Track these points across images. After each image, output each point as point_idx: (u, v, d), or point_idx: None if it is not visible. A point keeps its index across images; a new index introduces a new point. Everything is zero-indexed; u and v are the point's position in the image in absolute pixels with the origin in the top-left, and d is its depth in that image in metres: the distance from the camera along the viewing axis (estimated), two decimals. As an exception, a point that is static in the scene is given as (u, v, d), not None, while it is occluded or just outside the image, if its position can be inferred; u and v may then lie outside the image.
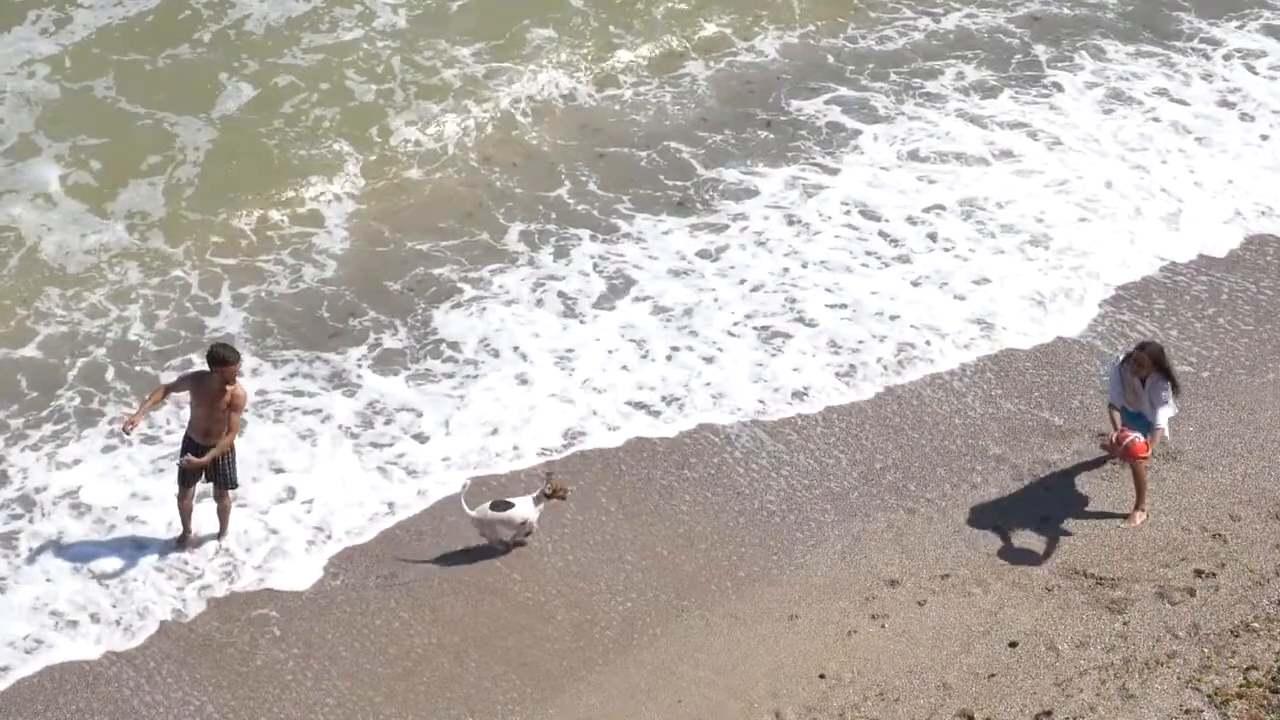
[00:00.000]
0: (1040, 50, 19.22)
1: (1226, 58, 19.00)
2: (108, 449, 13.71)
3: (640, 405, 14.18)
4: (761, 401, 14.09)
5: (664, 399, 14.22)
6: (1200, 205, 16.56)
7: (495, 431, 13.92)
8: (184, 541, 12.72)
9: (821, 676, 11.49)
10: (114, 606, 12.31)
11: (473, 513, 12.64)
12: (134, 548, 12.81)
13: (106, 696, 11.68)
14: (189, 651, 11.98)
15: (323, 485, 13.39)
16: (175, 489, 12.60)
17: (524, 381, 14.50)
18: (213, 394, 12.19)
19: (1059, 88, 18.56)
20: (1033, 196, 16.76)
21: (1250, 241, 16.07)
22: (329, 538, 12.90)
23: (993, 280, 15.54)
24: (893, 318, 15.10)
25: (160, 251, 15.92)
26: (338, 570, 12.62)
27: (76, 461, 13.58)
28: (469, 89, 18.26)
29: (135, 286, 15.52)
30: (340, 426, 13.97)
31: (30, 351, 14.72)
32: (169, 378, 13.91)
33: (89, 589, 12.47)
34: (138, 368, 14.59)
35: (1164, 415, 12.54)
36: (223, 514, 12.76)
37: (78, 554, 12.74)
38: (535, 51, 18.86)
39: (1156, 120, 18.00)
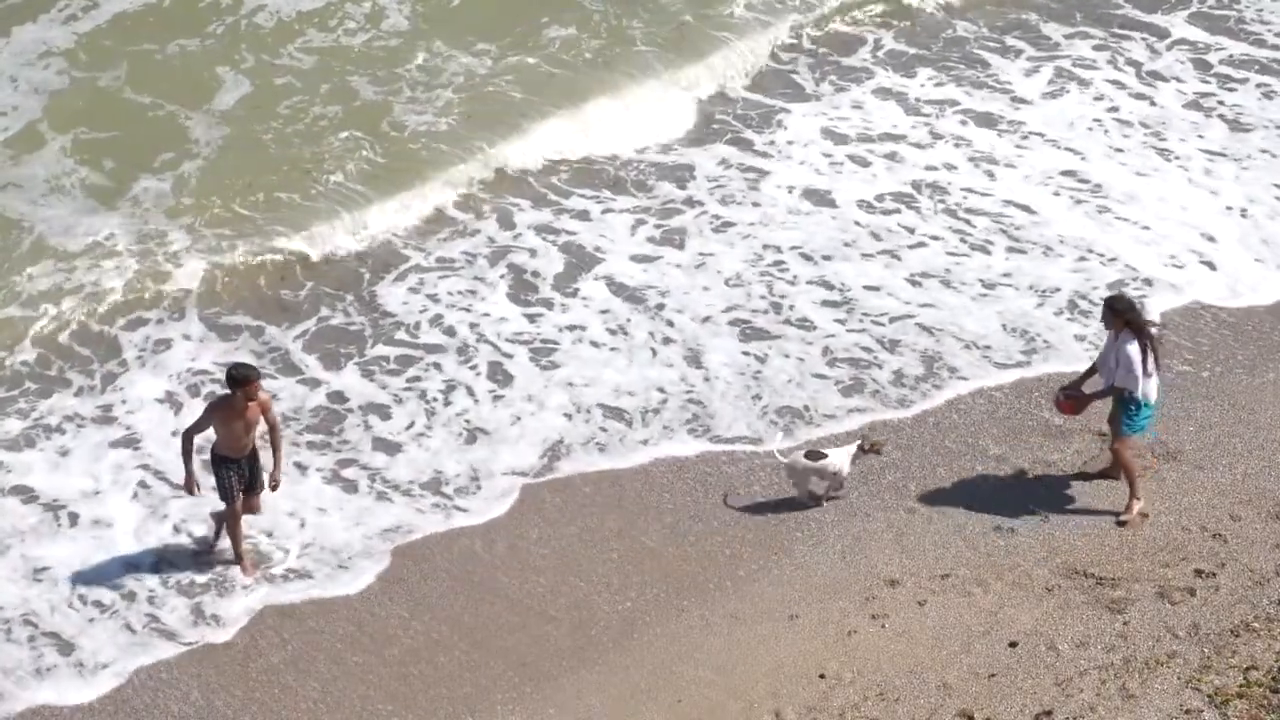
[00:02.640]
0: (964, 27, 19.18)
1: (1169, 47, 19.00)
2: (61, 426, 13.79)
3: (619, 413, 14.06)
4: (752, 428, 13.86)
5: (643, 411, 14.07)
6: (1197, 202, 16.59)
7: (473, 440, 13.84)
8: (244, 566, 12.60)
9: (821, 676, 11.48)
10: (115, 623, 12.25)
11: (786, 460, 12.83)
12: (113, 549, 12.81)
13: (107, 696, 11.67)
14: (190, 651, 11.97)
15: (306, 489, 13.34)
16: (223, 518, 12.55)
17: (496, 378, 14.45)
18: (239, 412, 12.14)
19: (998, 69, 18.52)
20: (1004, 185, 16.76)
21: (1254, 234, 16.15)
22: (322, 544, 12.88)
23: (1012, 281, 15.46)
24: (894, 320, 15.06)
25: (149, 232, 16.07)
26: (337, 571, 12.61)
27: (27, 441, 13.65)
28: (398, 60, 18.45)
29: (118, 255, 15.75)
30: (302, 425, 13.99)
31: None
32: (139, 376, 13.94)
33: (74, 603, 12.41)
34: (97, 327, 14.82)
35: (1138, 383, 12.25)
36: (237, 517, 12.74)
37: (54, 559, 12.72)
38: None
39: (1114, 109, 18.05)
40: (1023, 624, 11.80)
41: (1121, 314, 12.30)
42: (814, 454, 12.87)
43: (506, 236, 16.19)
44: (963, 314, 15.12)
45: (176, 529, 12.96)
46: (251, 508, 12.59)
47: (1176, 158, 17.26)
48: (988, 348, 14.68)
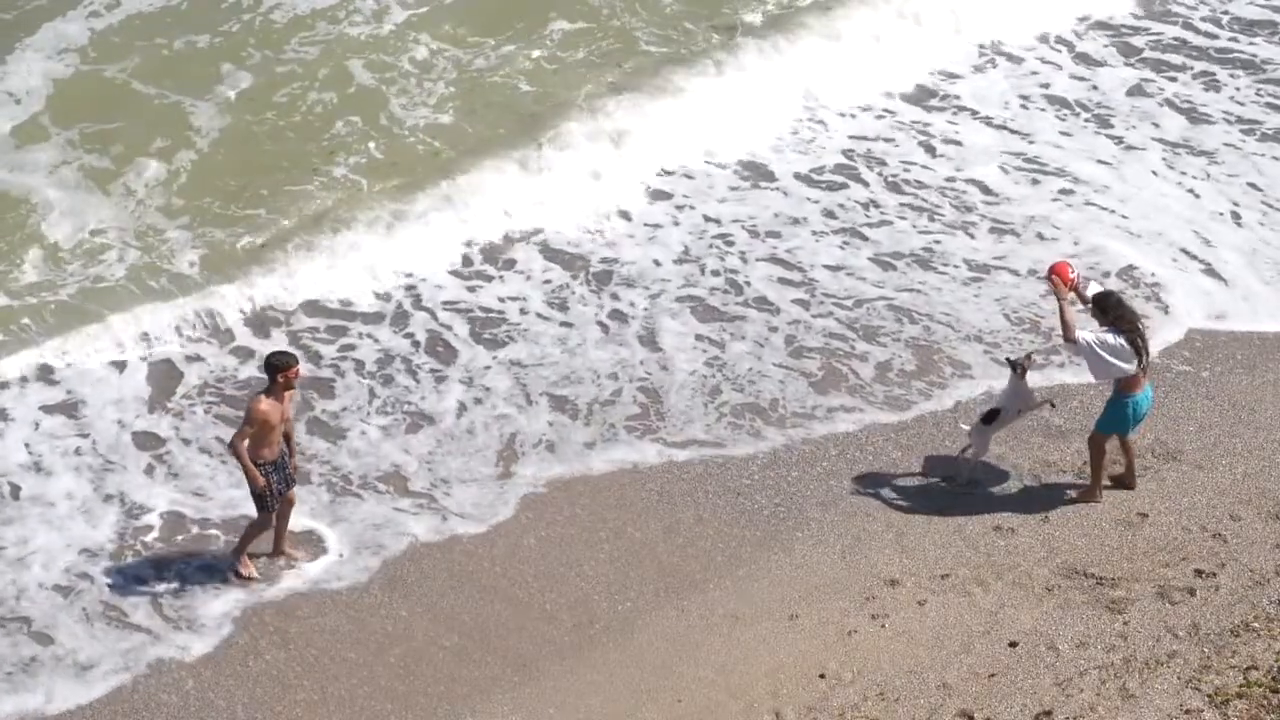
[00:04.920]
0: None
1: (1091, 27, 19.04)
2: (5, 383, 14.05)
3: (571, 406, 14.07)
4: (712, 431, 13.83)
5: (597, 402, 14.10)
6: (1173, 197, 16.57)
7: (415, 428, 13.82)
8: (243, 563, 12.46)
9: (821, 676, 11.48)
10: (95, 617, 12.22)
11: (967, 426, 13.03)
12: (67, 532, 12.85)
13: (106, 695, 11.66)
14: (191, 655, 11.95)
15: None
16: (262, 515, 12.32)
17: (436, 351, 14.51)
18: (279, 402, 11.95)
19: (918, 39, 18.53)
20: (949, 162, 16.77)
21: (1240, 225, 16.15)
22: (322, 540, 12.89)
23: (1007, 264, 15.37)
24: (862, 304, 15.02)
25: (150, 226, 16.19)
26: (338, 571, 12.61)
27: None
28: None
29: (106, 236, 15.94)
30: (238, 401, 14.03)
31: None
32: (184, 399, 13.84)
33: (38, 593, 12.38)
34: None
35: (1101, 364, 12.21)
36: (288, 512, 12.65)
37: (7, 539, 12.74)
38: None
39: (1046, 85, 18.06)
40: (1023, 624, 11.80)
41: (1108, 311, 12.32)
42: (989, 415, 12.91)
43: (434, 199, 16.43)
44: (956, 301, 15.07)
45: (131, 513, 13.00)
46: (292, 500, 12.47)
47: (1133, 147, 17.24)
48: (995, 344, 14.68)
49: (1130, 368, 12.25)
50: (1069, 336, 12.23)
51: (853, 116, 17.68)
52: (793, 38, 18.71)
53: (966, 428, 13.16)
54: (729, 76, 18.14)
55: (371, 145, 17.15)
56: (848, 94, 17.90)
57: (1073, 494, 12.86)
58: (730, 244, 15.90)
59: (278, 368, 11.88)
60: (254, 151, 17.12)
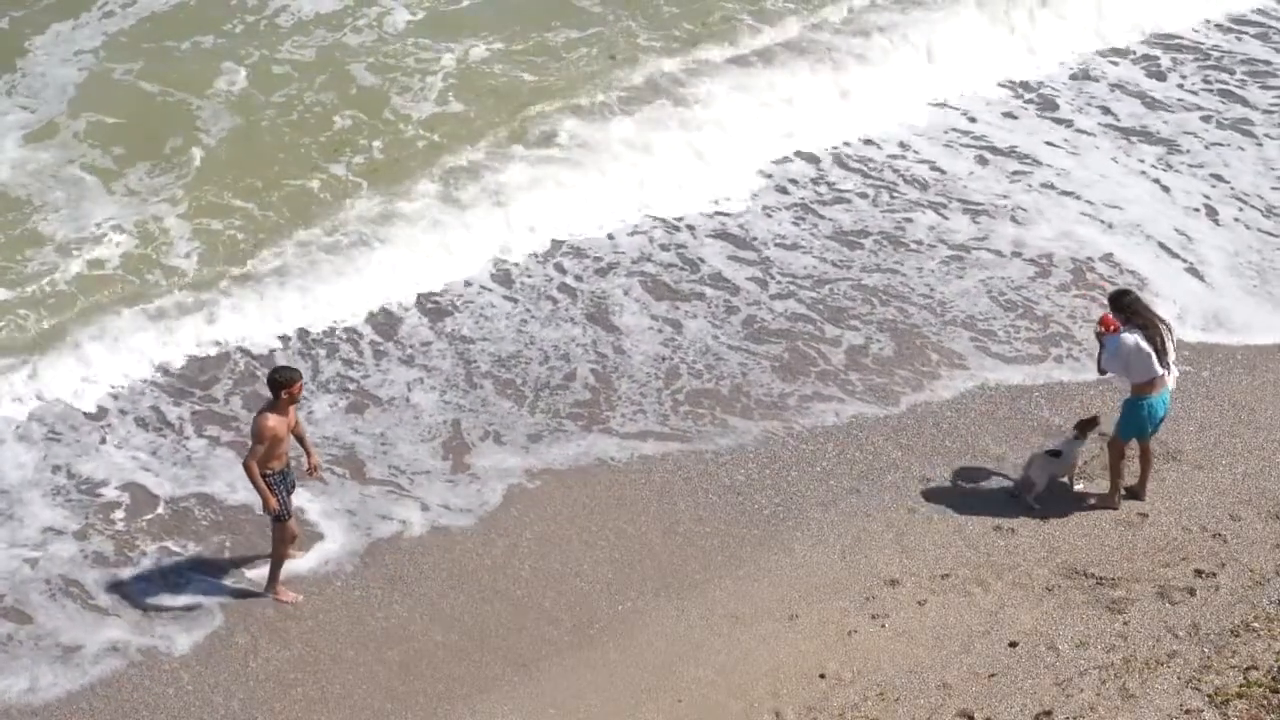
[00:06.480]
0: None
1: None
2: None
3: (508, 385, 14.12)
4: (669, 422, 13.90)
5: (540, 388, 14.15)
6: (1140, 186, 16.59)
7: (362, 410, 13.92)
8: (279, 590, 12.37)
9: (821, 676, 11.48)
10: (78, 606, 12.24)
11: (1032, 462, 12.87)
12: (28, 512, 12.90)
13: (106, 694, 11.66)
14: (190, 651, 11.95)
15: (217, 461, 13.41)
16: (278, 527, 12.23)
17: (381, 327, 14.73)
18: (284, 416, 11.92)
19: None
20: (894, 142, 16.82)
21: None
22: (325, 538, 12.89)
23: (988, 245, 15.38)
24: (818, 285, 15.00)
25: (152, 220, 16.24)
26: (338, 570, 12.61)
27: None
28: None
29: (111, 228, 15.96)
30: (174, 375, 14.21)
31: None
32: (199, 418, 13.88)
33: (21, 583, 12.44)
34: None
35: (1118, 364, 12.27)
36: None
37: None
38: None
39: (1000, 82, 18.20)
40: (1023, 624, 11.80)
41: (1124, 310, 12.32)
42: (1053, 452, 12.83)
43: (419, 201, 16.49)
44: (936, 282, 15.02)
45: (89, 492, 13.03)
46: (289, 528, 12.43)
47: (1085, 133, 17.21)
48: (988, 331, 14.65)
49: (1157, 366, 12.23)
50: (1102, 370, 12.51)
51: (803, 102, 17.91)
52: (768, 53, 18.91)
53: (1016, 479, 13.05)
54: (708, 77, 18.38)
55: (375, 144, 17.18)
56: (802, 84, 18.03)
57: (1089, 499, 12.81)
58: (679, 218, 15.99)
59: (281, 384, 11.88)
60: (256, 149, 17.16)
